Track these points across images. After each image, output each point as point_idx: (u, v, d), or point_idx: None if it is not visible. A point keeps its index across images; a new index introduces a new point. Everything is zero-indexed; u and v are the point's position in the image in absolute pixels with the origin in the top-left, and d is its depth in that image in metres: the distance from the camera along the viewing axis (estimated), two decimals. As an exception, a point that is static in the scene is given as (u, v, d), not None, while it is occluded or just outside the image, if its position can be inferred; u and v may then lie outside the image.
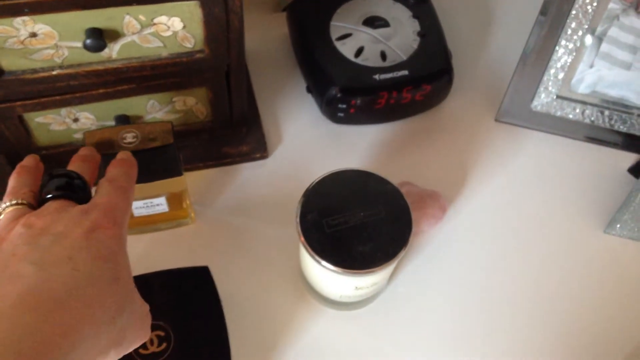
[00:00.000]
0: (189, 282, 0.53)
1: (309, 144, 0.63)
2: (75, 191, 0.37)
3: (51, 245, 0.33)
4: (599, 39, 0.58)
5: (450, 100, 0.67)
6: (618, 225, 0.59)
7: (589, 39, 0.58)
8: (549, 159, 0.64)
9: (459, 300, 0.56)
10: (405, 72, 0.61)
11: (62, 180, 0.37)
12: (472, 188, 0.62)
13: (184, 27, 0.48)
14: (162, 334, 0.50)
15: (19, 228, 0.34)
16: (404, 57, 0.62)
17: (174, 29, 0.48)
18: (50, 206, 0.36)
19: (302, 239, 0.47)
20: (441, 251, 0.59)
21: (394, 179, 0.50)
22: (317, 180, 0.49)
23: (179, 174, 0.50)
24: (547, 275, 0.58)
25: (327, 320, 0.55)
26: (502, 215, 0.61)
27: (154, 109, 0.55)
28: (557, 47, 0.59)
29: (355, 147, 0.63)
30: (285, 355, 0.53)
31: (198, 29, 0.48)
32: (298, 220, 0.47)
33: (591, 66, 0.60)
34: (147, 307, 0.38)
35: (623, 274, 0.58)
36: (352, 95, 0.61)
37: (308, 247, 0.46)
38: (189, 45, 0.50)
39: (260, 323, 0.54)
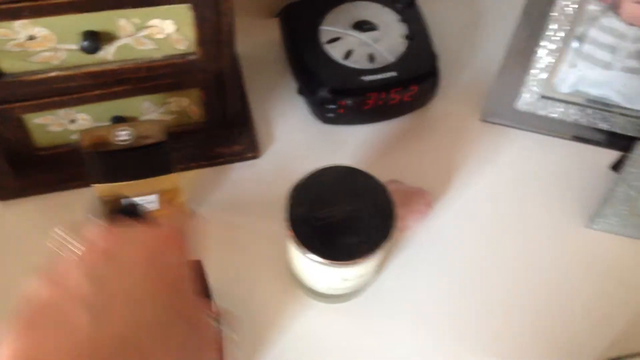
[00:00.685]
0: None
1: (300, 144, 0.65)
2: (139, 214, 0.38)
3: (110, 279, 0.31)
4: (580, 40, 0.60)
5: (437, 101, 0.69)
6: (600, 220, 0.61)
7: (569, 40, 0.60)
8: (533, 157, 0.66)
9: (445, 293, 0.58)
10: (393, 74, 0.63)
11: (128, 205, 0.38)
12: (457, 186, 0.64)
13: (177, 29, 0.50)
14: None
15: (83, 249, 0.33)
16: (392, 59, 0.64)
17: (167, 32, 0.50)
18: (116, 226, 0.35)
19: (290, 231, 0.48)
20: (428, 246, 0.60)
21: (382, 177, 0.52)
22: (306, 175, 0.51)
23: (170, 171, 0.52)
24: (531, 270, 0.60)
25: (316, 314, 0.56)
26: (487, 212, 0.63)
27: (148, 110, 0.57)
28: (539, 48, 0.61)
29: (345, 147, 0.65)
30: (276, 347, 0.54)
31: (190, 32, 0.50)
32: (286, 213, 0.49)
33: (573, 66, 0.62)
34: (212, 327, 0.36)
35: (605, 267, 0.60)
36: (341, 96, 0.63)
37: (295, 240, 0.48)
38: (181, 47, 0.52)
39: (250, 317, 0.55)
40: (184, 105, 0.58)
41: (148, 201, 0.55)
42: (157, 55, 0.52)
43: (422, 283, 0.58)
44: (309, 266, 0.50)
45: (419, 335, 0.56)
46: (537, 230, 0.62)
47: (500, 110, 0.66)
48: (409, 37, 0.66)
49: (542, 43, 0.60)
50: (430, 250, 0.60)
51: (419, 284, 0.58)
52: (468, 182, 0.64)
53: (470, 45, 0.74)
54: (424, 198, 0.60)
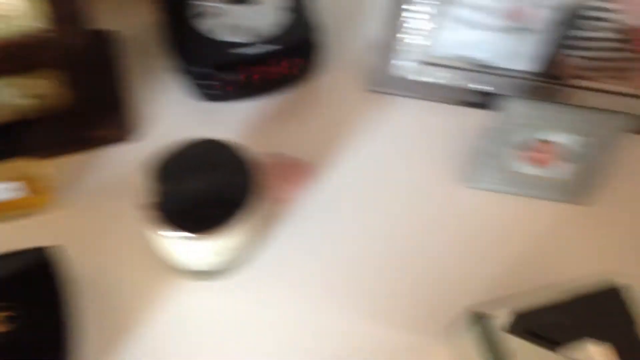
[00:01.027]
0: (28, 265, 0.52)
1: (181, 124, 0.63)
2: None
3: None
4: (453, 2, 0.60)
5: (325, 73, 0.68)
6: (477, 179, 0.61)
7: (443, 3, 0.60)
8: (417, 123, 0.66)
9: (330, 261, 0.58)
10: (271, 47, 0.62)
11: None
12: (343, 156, 0.63)
13: (26, 3, 0.47)
14: (8, 314, 0.49)
15: None
16: (271, 32, 0.63)
17: (15, 6, 0.47)
18: None
19: (148, 208, 0.47)
20: (314, 217, 0.60)
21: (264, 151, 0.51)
22: (165, 150, 0.49)
23: (15, 156, 0.50)
24: (415, 232, 0.60)
25: (192, 293, 0.55)
26: (371, 180, 0.62)
27: (5, 94, 0.55)
28: (410, 12, 0.60)
29: (228, 124, 0.64)
30: (150, 331, 0.53)
31: (41, 6, 0.48)
32: (143, 190, 0.47)
33: (448, 29, 0.62)
34: None
35: (481, 223, 0.61)
36: (217, 71, 0.61)
37: (155, 216, 0.47)
38: (31, 23, 0.49)
39: (122, 303, 0.54)
40: (43, 87, 0.56)
41: (10, 189, 0.53)
42: (4, 33, 0.49)
43: (308, 253, 0.58)
44: (174, 243, 0.49)
45: (304, 305, 0.55)
46: (421, 193, 0.62)
47: (383, 79, 0.66)
48: (289, 8, 0.65)
49: (413, 7, 0.60)
50: (316, 221, 0.59)
51: (304, 255, 0.58)
52: (353, 152, 0.64)
53: (358, 15, 0.73)
54: (303, 169, 0.59)
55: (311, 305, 0.55)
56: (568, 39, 0.61)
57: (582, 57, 0.62)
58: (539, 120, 0.58)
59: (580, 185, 0.61)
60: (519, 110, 0.58)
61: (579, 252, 0.60)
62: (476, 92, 0.65)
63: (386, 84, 0.66)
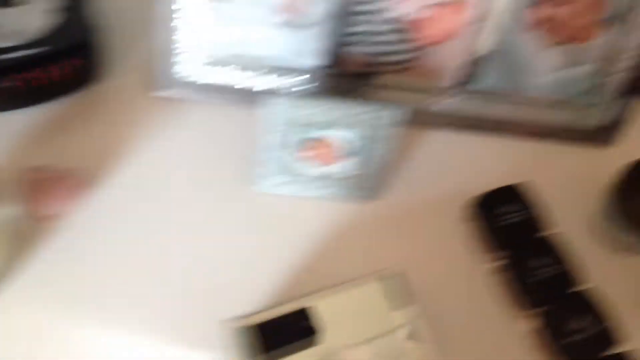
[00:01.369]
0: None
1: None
2: None
3: None
4: (221, 2, 0.58)
5: (111, 78, 0.64)
6: (263, 181, 0.60)
7: (207, 3, 0.58)
8: (206, 127, 0.64)
9: (109, 272, 0.55)
10: (35, 50, 0.58)
11: None
12: (126, 164, 0.60)
13: None
14: None
15: None
16: (37, 34, 0.59)
17: None
18: None
19: None
20: (91, 229, 0.56)
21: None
22: None
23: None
24: (199, 238, 0.58)
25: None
26: (156, 186, 0.60)
27: None
28: (183, 13, 0.58)
29: (-1, 137, 0.59)
30: None
31: None
32: None
33: (227, 28, 0.60)
34: None
35: (269, 225, 0.60)
36: (-26, 80, 0.56)
37: None
38: None
39: None
40: None
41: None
42: None
43: (83, 266, 0.55)
44: None
45: (75, 320, 0.52)
46: (207, 199, 0.60)
47: (169, 83, 0.63)
48: (63, 10, 0.61)
49: (185, 7, 0.58)
50: (92, 233, 0.56)
51: (78, 268, 0.54)
52: (136, 159, 0.61)
53: (146, 16, 0.70)
54: (72, 182, 0.56)
55: (78, 319, 0.52)
56: (349, 33, 0.61)
57: (366, 52, 0.62)
58: (314, 118, 0.57)
59: (366, 182, 0.61)
60: (291, 108, 0.57)
61: (368, 249, 0.60)
62: (264, 92, 0.64)
63: (172, 87, 0.63)
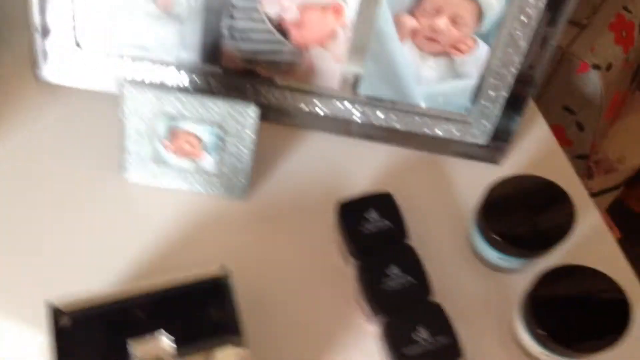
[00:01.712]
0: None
1: None
2: None
3: None
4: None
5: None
6: (130, 172, 0.60)
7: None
8: (84, 114, 0.64)
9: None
10: None
11: None
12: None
13: None
14: None
15: None
16: None
17: None
18: None
19: None
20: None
21: None
22: None
23: None
24: (57, 219, 0.58)
25: None
26: (23, 170, 0.60)
27: None
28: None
29: None
30: None
31: None
32: None
33: (99, 17, 0.60)
34: None
35: (130, 215, 0.60)
36: None
37: None
38: None
39: None
40: None
41: None
42: None
43: None
44: None
45: None
46: (77, 188, 0.60)
47: (44, 67, 0.63)
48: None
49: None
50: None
51: None
52: (7, 140, 0.61)
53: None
54: None
55: None
56: (227, 29, 0.61)
57: (246, 50, 0.62)
58: (181, 111, 0.57)
59: (234, 180, 0.61)
60: (157, 100, 0.57)
61: (220, 245, 0.59)
62: (134, 81, 0.63)
63: (50, 73, 0.63)
